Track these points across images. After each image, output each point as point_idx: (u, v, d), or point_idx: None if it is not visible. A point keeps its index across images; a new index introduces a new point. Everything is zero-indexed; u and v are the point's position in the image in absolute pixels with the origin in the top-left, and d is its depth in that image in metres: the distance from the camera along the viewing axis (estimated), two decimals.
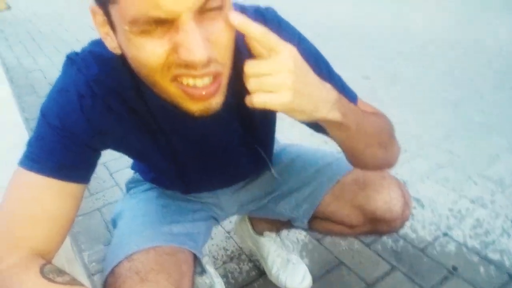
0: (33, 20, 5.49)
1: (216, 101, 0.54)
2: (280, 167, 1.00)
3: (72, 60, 0.65)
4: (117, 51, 0.55)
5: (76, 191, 0.65)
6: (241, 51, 0.57)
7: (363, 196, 0.88)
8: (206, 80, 0.51)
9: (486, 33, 3.50)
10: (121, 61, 0.59)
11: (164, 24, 0.46)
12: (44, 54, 3.99)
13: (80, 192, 0.67)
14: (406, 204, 0.88)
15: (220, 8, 0.48)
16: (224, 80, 0.54)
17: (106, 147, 0.71)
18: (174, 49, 0.48)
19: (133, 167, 1.03)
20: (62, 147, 0.62)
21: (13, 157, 0.66)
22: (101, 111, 0.64)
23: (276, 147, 1.01)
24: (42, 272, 0.56)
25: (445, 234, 1.47)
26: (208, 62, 0.48)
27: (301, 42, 0.69)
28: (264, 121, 0.82)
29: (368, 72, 2.96)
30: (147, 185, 0.97)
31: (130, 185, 1.01)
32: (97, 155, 0.69)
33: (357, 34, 3.77)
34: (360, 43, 3.53)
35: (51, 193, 0.62)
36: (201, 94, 0.51)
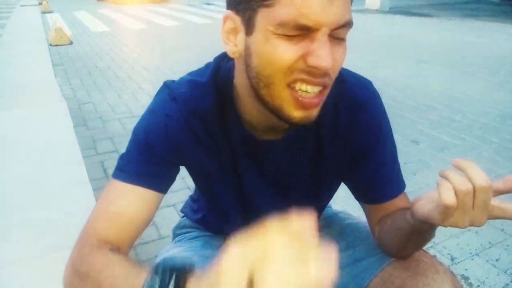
0: (91, 56, 5.84)
1: (315, 113, 0.61)
2: (329, 232, 0.95)
3: (166, 85, 0.74)
4: (236, 55, 0.63)
5: (153, 198, 0.72)
6: None
7: (412, 286, 0.79)
8: (316, 89, 0.58)
9: None
10: (214, 86, 0.70)
11: (303, 33, 0.54)
12: (98, 88, 4.19)
13: (157, 199, 0.73)
14: None
15: (343, 39, 0.59)
16: (325, 97, 0.61)
17: (183, 163, 0.77)
18: (304, 55, 0.55)
19: (183, 208, 1.03)
20: (145, 159, 0.71)
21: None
22: (182, 130, 0.71)
23: (328, 211, 0.97)
24: (111, 250, 0.64)
25: None
26: (326, 74, 0.56)
27: (385, 118, 0.79)
28: (331, 174, 0.81)
29: (417, 137, 2.90)
30: (194, 233, 0.96)
31: (177, 232, 1.01)
32: (175, 169, 0.76)
33: (407, 98, 3.73)
34: (411, 108, 3.49)
35: (131, 196, 0.70)
36: (308, 102, 0.58)
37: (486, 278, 1.56)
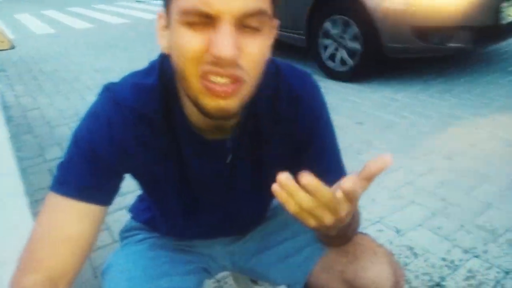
0: (36, 59, 5.61)
1: (232, 104, 0.58)
2: (275, 222, 0.98)
3: (107, 88, 0.71)
4: (167, 50, 0.62)
5: (97, 213, 0.68)
6: (263, 101, 0.69)
7: (352, 271, 0.82)
8: (227, 80, 0.56)
9: None
10: (161, 88, 0.68)
11: (206, 21, 0.54)
12: (45, 93, 4.05)
13: (102, 214, 0.70)
14: (397, 283, 0.80)
15: (257, 29, 0.56)
16: (245, 90, 0.59)
17: (128, 171, 0.74)
18: (208, 46, 0.54)
19: (131, 209, 1.03)
20: (87, 169, 0.66)
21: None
22: (127, 135, 0.68)
23: (275, 201, 1.01)
24: None
25: (438, 285, 1.45)
26: (233, 63, 0.55)
27: (325, 108, 0.80)
28: (275, 165, 0.81)
29: (362, 118, 3.00)
30: (140, 235, 0.96)
31: (124, 235, 1.00)
32: (120, 179, 0.73)
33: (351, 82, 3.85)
34: (356, 91, 3.60)
35: (72, 214, 0.66)
36: (219, 90, 0.56)
37: (430, 246, 1.67)
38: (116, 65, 4.97)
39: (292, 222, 0.95)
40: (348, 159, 0.90)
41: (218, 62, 0.54)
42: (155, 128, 0.70)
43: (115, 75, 4.39)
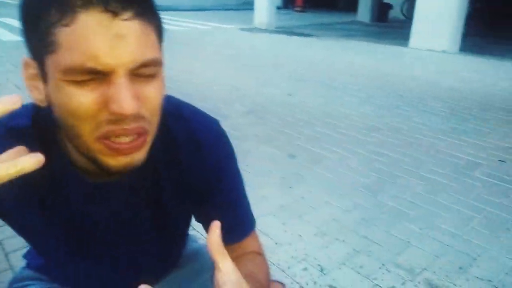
0: None
1: (138, 157, 0.56)
2: (193, 266, 0.93)
3: None
4: (43, 103, 0.56)
5: None
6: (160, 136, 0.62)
7: None
8: (131, 138, 0.53)
9: (402, 121, 3.82)
10: (35, 131, 0.62)
11: (97, 77, 0.49)
12: None
13: None
14: None
15: (152, 76, 0.53)
16: (149, 139, 0.57)
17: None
18: (105, 103, 0.50)
19: (25, 254, 0.92)
20: None
21: None
22: None
23: (193, 246, 0.96)
24: None
25: None
26: (137, 117, 0.52)
27: (230, 159, 0.76)
28: (176, 211, 0.78)
29: (294, 151, 3.06)
30: (33, 286, 0.86)
31: (15, 285, 0.89)
32: None
33: (288, 114, 3.94)
34: (290, 124, 3.68)
35: None
36: (125, 147, 0.53)
37: (352, 286, 1.69)
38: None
39: (206, 270, 0.91)
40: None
41: (119, 118, 0.51)
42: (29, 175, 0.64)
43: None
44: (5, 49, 6.86)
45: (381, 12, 12.95)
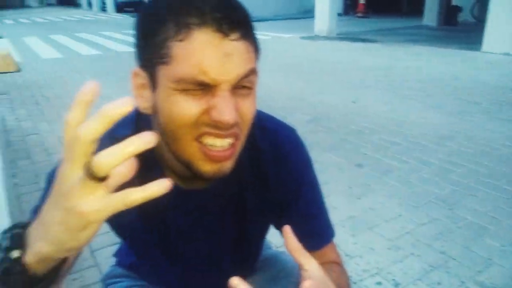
0: (40, 84, 5.65)
1: (227, 165, 0.60)
2: (264, 275, 0.95)
3: None
4: (147, 110, 0.62)
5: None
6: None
7: None
8: (226, 143, 0.58)
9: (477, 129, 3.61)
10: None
11: (204, 88, 0.55)
12: (45, 119, 4.06)
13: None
14: None
15: (250, 88, 0.59)
16: (238, 148, 0.61)
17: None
18: (208, 110, 0.55)
19: (116, 253, 1.00)
20: None
21: None
22: None
23: (268, 252, 0.98)
24: None
25: None
26: (233, 125, 0.56)
27: (310, 169, 0.79)
28: (257, 221, 0.81)
29: (361, 161, 3.00)
30: (124, 283, 0.93)
31: (107, 282, 0.96)
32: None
33: (352, 122, 3.88)
34: (355, 132, 3.62)
35: None
36: (218, 155, 0.58)
37: None
38: (118, 93, 4.99)
39: (283, 276, 0.93)
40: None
41: (218, 125, 0.56)
42: (130, 179, 0.69)
43: None
44: (83, 62, 7.42)
45: (449, 15, 12.29)
